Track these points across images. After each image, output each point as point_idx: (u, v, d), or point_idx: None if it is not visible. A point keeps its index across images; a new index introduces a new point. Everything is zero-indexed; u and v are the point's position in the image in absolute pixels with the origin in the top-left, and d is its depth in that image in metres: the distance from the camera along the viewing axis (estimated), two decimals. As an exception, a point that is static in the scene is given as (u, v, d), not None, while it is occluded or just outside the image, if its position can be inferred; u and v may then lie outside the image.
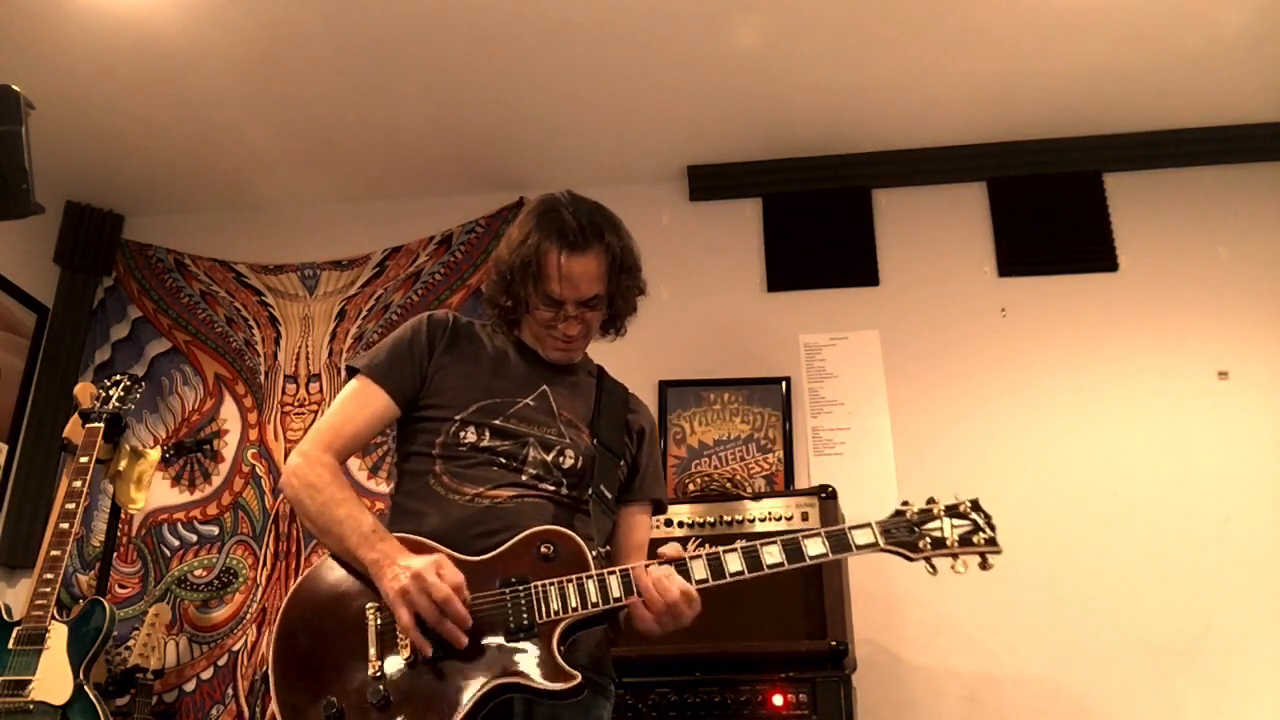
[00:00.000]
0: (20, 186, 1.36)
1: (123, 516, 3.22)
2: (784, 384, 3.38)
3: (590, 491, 1.77)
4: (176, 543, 3.47)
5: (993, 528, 1.63)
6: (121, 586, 3.40)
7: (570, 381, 1.90)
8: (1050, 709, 2.91)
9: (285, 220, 3.90)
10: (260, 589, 3.36)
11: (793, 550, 1.61)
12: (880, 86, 3.24)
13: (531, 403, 1.81)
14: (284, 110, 3.36)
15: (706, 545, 2.27)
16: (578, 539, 1.64)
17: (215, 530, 3.47)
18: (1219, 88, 3.22)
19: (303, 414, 3.59)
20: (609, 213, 1.85)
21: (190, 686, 3.26)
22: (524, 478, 1.73)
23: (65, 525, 2.62)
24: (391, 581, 1.53)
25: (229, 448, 3.58)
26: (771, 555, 1.60)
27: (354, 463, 3.36)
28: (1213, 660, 2.88)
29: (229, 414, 3.63)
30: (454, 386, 1.80)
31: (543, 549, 1.62)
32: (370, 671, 1.53)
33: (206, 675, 3.28)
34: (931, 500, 1.65)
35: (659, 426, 3.27)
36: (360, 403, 1.79)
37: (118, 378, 2.98)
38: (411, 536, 1.65)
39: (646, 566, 1.61)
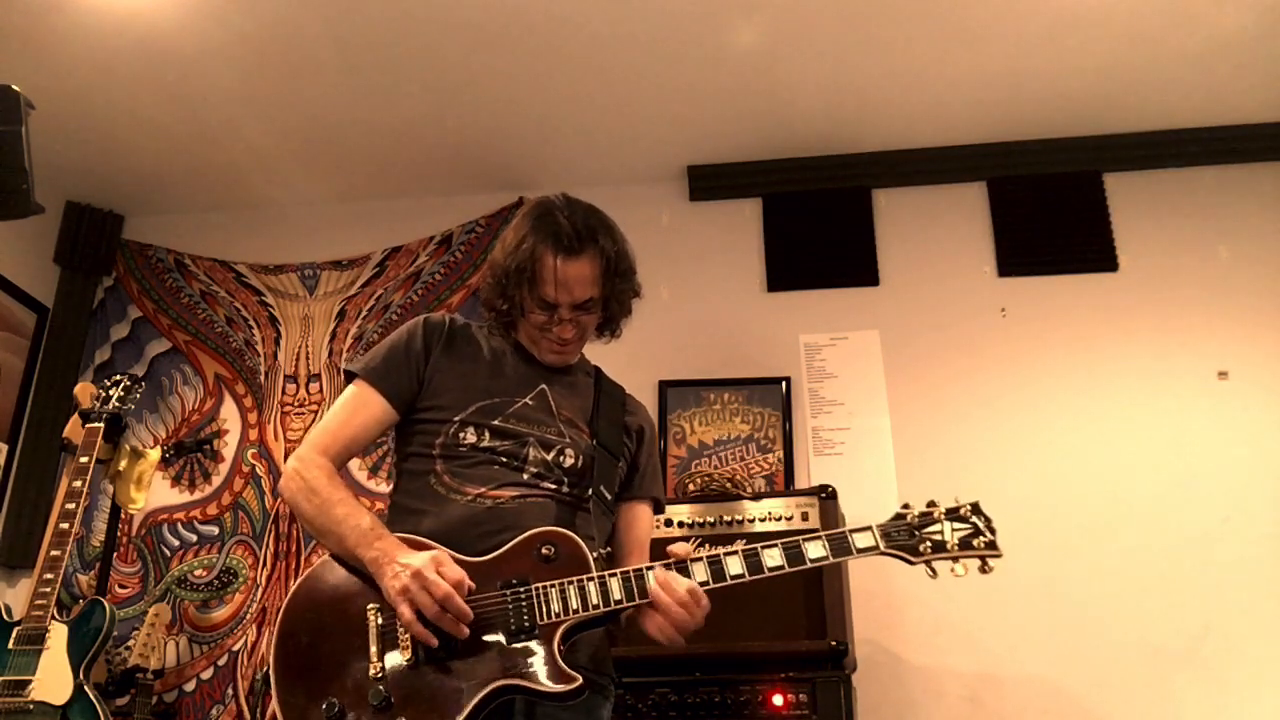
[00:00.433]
0: (20, 186, 1.35)
1: (123, 516, 3.22)
2: (784, 384, 3.38)
3: (591, 491, 1.78)
4: (176, 543, 3.47)
5: (993, 531, 1.63)
6: (121, 586, 3.40)
7: (569, 381, 1.90)
8: (1050, 709, 2.91)
9: (285, 220, 3.90)
10: (260, 589, 3.36)
11: (794, 553, 1.61)
12: (880, 86, 3.24)
13: (530, 402, 1.81)
14: (284, 110, 3.36)
15: (707, 545, 2.27)
16: (579, 540, 1.64)
17: (215, 530, 3.47)
18: (1219, 88, 3.22)
19: (303, 414, 3.59)
20: (604, 216, 1.84)
21: (190, 686, 3.26)
22: (525, 477, 1.74)
23: (65, 525, 2.62)
24: (392, 580, 1.54)
25: (229, 448, 3.58)
26: (772, 558, 1.60)
27: (354, 463, 3.36)
28: (1213, 660, 2.88)
29: (229, 414, 3.63)
30: (452, 388, 1.80)
31: (543, 550, 1.62)
32: (371, 672, 1.53)
33: (206, 675, 3.28)
34: (932, 503, 1.65)
35: (659, 426, 3.28)
36: (357, 407, 1.79)
37: (118, 378, 2.98)
38: (411, 536, 1.65)
39: (650, 568, 1.61)
